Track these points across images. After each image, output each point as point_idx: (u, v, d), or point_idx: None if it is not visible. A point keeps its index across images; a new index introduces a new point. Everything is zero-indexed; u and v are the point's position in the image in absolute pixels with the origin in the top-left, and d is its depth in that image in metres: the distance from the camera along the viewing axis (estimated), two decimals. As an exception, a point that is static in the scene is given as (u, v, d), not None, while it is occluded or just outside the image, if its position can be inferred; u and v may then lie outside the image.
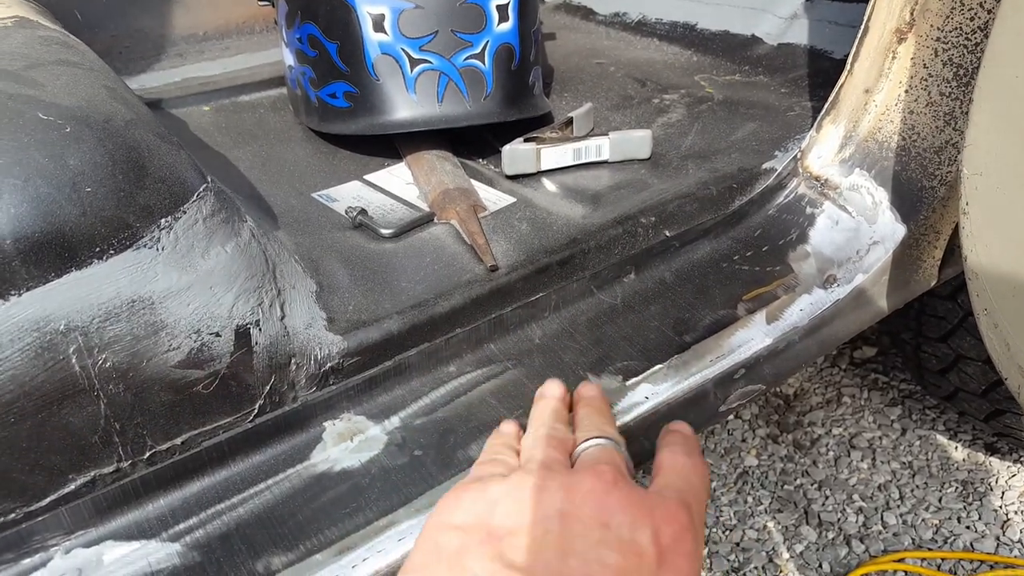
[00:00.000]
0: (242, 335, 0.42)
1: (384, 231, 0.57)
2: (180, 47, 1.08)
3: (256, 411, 0.43)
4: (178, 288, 0.39)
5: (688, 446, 0.36)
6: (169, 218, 0.40)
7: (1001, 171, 0.45)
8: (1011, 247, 0.44)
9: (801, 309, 0.57)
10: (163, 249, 0.39)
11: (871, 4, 0.60)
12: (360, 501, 0.41)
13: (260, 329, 0.43)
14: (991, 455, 1.15)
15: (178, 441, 0.40)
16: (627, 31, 1.02)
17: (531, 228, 0.59)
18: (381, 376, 0.48)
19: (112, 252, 0.37)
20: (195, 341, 0.40)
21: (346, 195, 0.65)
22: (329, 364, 0.46)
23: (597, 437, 0.36)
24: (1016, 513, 1.08)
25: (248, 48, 1.06)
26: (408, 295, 0.51)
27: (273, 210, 0.61)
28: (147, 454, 0.39)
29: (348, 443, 0.44)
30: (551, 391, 0.42)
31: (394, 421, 0.46)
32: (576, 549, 0.28)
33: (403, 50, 0.66)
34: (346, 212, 0.59)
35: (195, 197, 0.41)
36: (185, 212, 0.40)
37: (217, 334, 0.41)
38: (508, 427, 0.41)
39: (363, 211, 0.59)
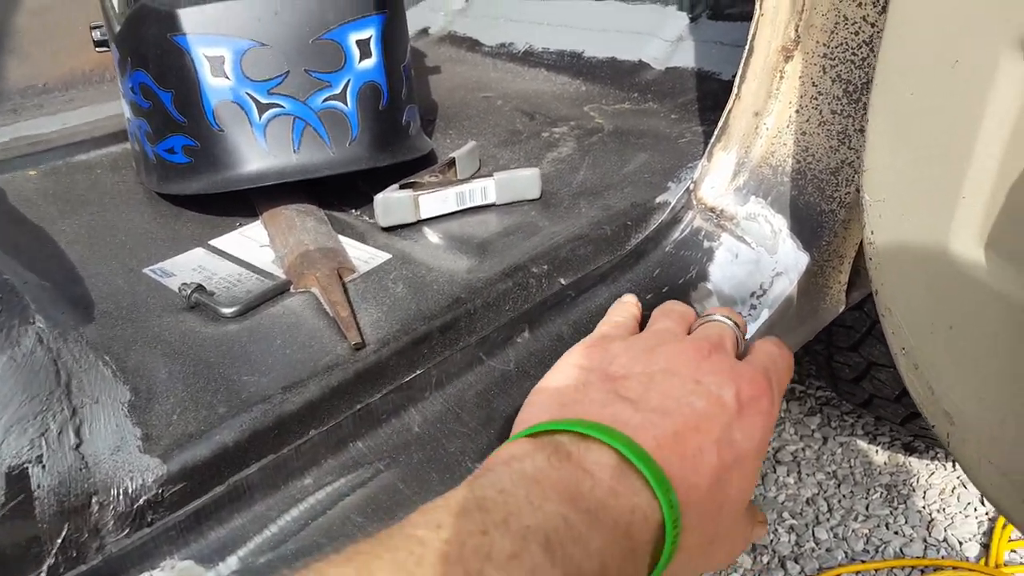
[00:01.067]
0: (16, 479, 0.33)
1: (225, 310, 0.48)
2: (15, 101, 0.96)
3: (45, 574, 0.33)
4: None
5: (779, 341, 0.42)
6: None
7: (904, 195, 0.41)
8: (925, 278, 0.40)
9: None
10: None
11: (754, 23, 0.56)
12: None
13: (44, 466, 0.34)
14: (910, 455, 1.17)
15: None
16: (514, 62, 0.97)
17: (408, 290, 0.51)
18: (213, 505, 0.38)
19: None
20: (-65, 501, 0.30)
21: (185, 267, 0.55)
22: (144, 497, 0.37)
23: (716, 316, 0.43)
24: (938, 512, 1.09)
25: (96, 99, 0.95)
26: (250, 392, 0.42)
27: (91, 295, 0.51)
28: None
29: (167, 603, 0.35)
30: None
31: (231, 563, 0.36)
32: (673, 395, 0.35)
33: (248, 95, 0.57)
34: (179, 289, 0.50)
35: (-60, 306, 0.32)
36: (-80, 328, 0.31)
37: (-21, 481, 0.32)
38: (629, 297, 0.49)
39: (200, 287, 0.50)
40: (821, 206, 0.56)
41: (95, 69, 1.00)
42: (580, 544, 0.28)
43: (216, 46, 0.56)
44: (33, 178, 0.72)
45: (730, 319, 0.43)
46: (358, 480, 0.41)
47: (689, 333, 0.42)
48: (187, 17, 0.55)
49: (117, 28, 0.62)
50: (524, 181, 0.62)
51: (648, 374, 0.37)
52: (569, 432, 0.33)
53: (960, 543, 1.03)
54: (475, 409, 0.47)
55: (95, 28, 0.69)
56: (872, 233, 0.44)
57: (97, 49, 0.74)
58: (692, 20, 0.91)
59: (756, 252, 0.56)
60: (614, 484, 0.31)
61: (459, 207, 0.61)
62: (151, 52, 0.58)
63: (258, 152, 0.58)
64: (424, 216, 0.60)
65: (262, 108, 0.57)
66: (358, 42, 0.60)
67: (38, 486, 0.33)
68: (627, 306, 0.48)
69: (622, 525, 0.30)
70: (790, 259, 0.55)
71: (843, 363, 1.04)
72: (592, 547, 0.28)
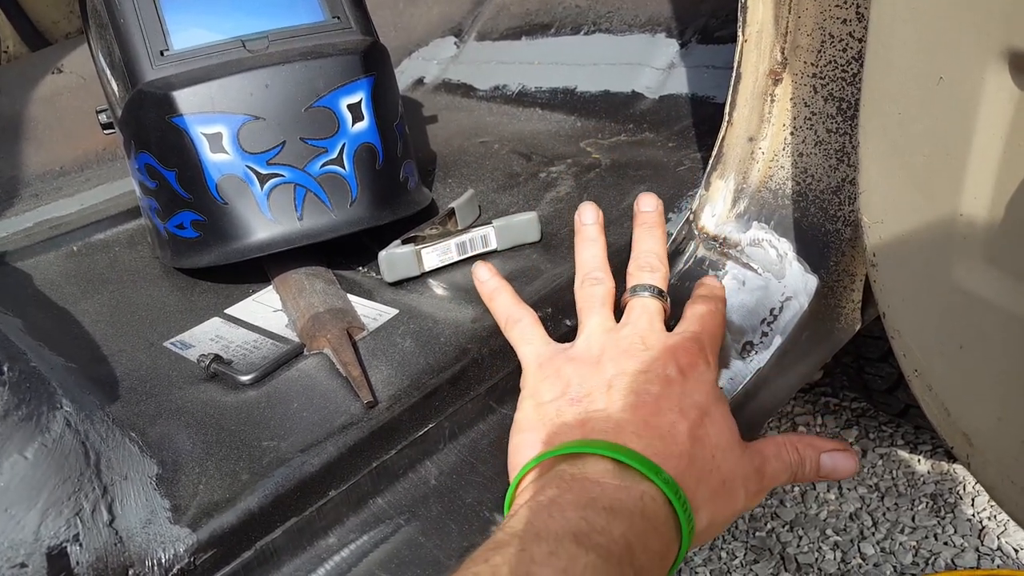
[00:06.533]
0: (57, 558, 0.34)
1: (243, 377, 0.49)
2: (35, 187, 0.99)
3: (82, 652, 0.34)
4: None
5: (706, 294, 0.50)
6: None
7: (902, 216, 0.41)
8: (930, 298, 0.40)
9: (720, 388, 0.51)
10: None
11: (739, 49, 0.57)
12: None
13: (81, 544, 0.35)
14: (954, 462, 1.13)
15: None
16: (509, 104, 0.99)
17: (415, 344, 0.52)
18: (242, 570, 0.39)
19: None
20: (-25, 592, 0.31)
21: (202, 337, 0.56)
22: (178, 566, 0.38)
23: (639, 293, 0.48)
24: (990, 519, 1.05)
25: (110, 176, 0.98)
26: (271, 457, 0.43)
27: (115, 373, 0.52)
28: None
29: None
30: (587, 219, 0.56)
31: (260, 628, 0.37)
32: (632, 391, 0.41)
33: (249, 167, 0.59)
34: (198, 360, 0.51)
35: (-30, 402, 0.33)
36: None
37: (22, 565, 0.33)
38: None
39: (217, 357, 0.51)
40: (825, 226, 0.55)
41: (107, 148, 1.03)
42: (605, 533, 0.33)
43: (213, 124, 0.58)
44: (56, 261, 0.75)
45: (652, 287, 0.48)
46: (380, 536, 0.42)
47: (619, 308, 0.48)
48: (182, 98, 0.57)
49: (119, 112, 0.64)
50: (523, 226, 0.63)
51: (604, 384, 0.42)
52: (564, 456, 0.38)
53: (1016, 551, 0.99)
54: (489, 458, 0.47)
55: (101, 112, 0.71)
56: (874, 255, 0.43)
57: (104, 132, 0.77)
58: (682, 46, 0.92)
59: (763, 278, 0.56)
60: (618, 482, 0.36)
61: (461, 256, 0.62)
62: (152, 134, 0.60)
63: (263, 221, 0.59)
64: (428, 268, 0.61)
65: (263, 179, 0.59)
66: (349, 106, 0.62)
67: (77, 563, 0.35)
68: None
69: (637, 511, 0.35)
70: (799, 282, 0.55)
71: (875, 374, 1.02)
72: (616, 533, 0.33)
